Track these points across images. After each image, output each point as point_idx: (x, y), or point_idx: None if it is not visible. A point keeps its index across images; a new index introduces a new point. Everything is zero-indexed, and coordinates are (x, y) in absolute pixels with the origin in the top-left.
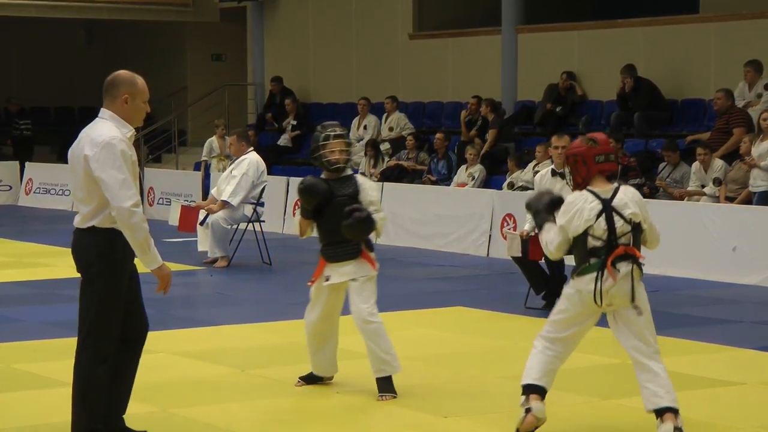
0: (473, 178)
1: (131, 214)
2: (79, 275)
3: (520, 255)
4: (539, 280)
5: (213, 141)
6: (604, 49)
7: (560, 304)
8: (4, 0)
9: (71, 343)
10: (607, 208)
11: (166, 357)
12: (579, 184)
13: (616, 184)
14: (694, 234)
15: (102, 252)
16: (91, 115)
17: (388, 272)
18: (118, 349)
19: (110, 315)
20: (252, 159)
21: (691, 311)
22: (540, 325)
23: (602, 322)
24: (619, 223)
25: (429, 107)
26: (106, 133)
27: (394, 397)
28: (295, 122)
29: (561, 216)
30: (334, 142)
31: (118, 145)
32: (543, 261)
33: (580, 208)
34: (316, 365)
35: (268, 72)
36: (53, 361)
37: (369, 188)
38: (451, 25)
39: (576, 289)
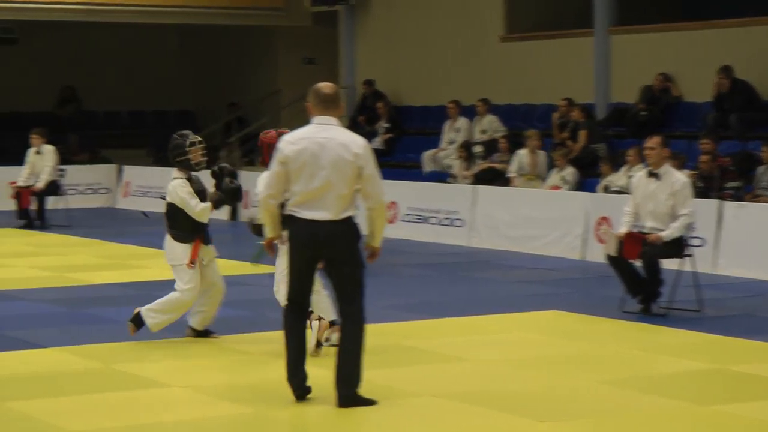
0: (566, 181)
1: (386, 205)
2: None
3: (617, 254)
4: (635, 284)
5: (523, 155)
6: (700, 49)
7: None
8: (98, 6)
9: (170, 343)
10: None
11: (260, 358)
12: (266, 164)
13: None
14: None
15: (358, 235)
16: (186, 118)
17: (481, 275)
18: None
19: None
20: None
21: None
22: (636, 329)
23: (700, 325)
24: None
25: (521, 109)
26: (359, 137)
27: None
28: (387, 125)
29: None
30: (197, 148)
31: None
32: (640, 264)
33: None
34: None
35: (359, 75)
36: (152, 362)
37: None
38: (542, 26)
39: None
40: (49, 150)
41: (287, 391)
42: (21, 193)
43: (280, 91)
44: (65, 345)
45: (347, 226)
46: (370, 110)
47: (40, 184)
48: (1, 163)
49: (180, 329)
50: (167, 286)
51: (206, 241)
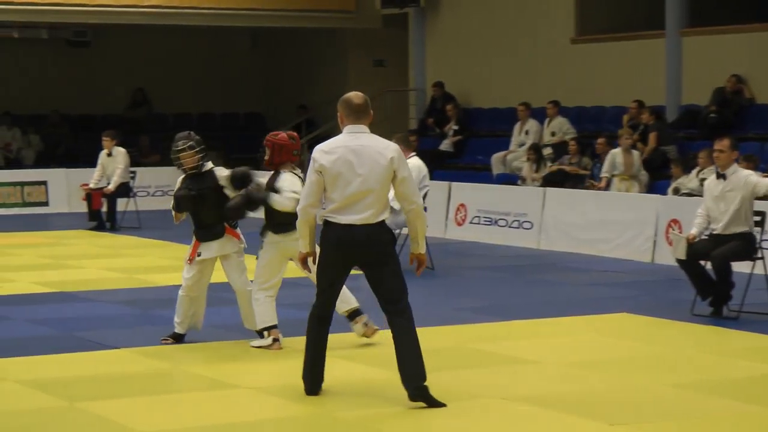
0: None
1: (423, 208)
2: None
3: (685, 258)
4: (706, 286)
5: (616, 154)
6: None
7: (262, 259)
8: (170, 9)
9: (239, 345)
10: None
11: (329, 360)
12: (274, 164)
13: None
14: None
15: (393, 238)
16: (255, 120)
17: (550, 277)
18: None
19: None
20: (414, 164)
21: None
22: (707, 332)
23: None
24: None
25: (591, 111)
26: (391, 143)
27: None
28: (456, 127)
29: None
30: (183, 154)
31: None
32: (710, 266)
33: None
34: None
35: (429, 77)
36: (220, 363)
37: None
38: (613, 28)
39: (276, 242)
40: (120, 152)
41: (355, 391)
42: (92, 195)
43: None
44: (135, 346)
45: (382, 227)
46: (440, 112)
47: (111, 186)
48: (73, 165)
49: (250, 331)
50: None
51: (203, 238)
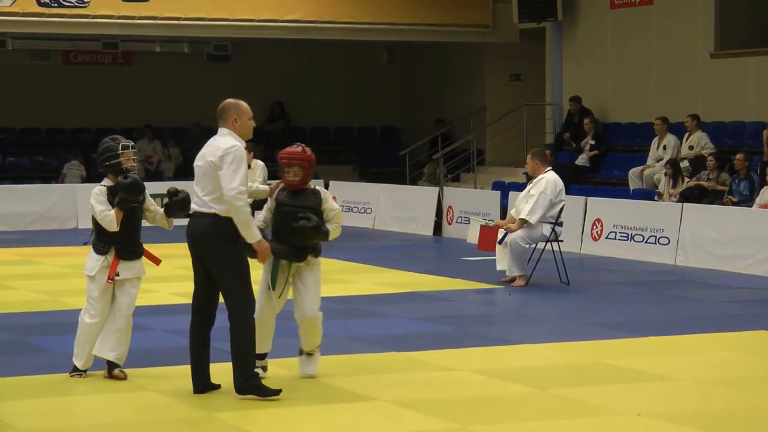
0: None
1: (234, 202)
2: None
3: None
4: None
5: None
6: None
7: None
8: (309, 24)
9: (377, 358)
10: None
11: (464, 374)
12: (305, 184)
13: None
14: None
15: (229, 234)
16: (391, 133)
17: (687, 293)
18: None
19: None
20: (550, 178)
21: None
22: None
23: None
24: None
25: (730, 126)
26: (229, 142)
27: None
28: (593, 142)
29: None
30: (129, 152)
31: (238, 152)
32: None
33: None
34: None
35: (566, 91)
36: (357, 376)
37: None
38: (753, 43)
39: None
40: (258, 165)
41: (490, 407)
42: None
43: (485, 107)
44: (277, 357)
45: (217, 221)
46: (576, 127)
47: (249, 200)
48: None
49: (388, 345)
50: (372, 300)
51: (126, 255)
